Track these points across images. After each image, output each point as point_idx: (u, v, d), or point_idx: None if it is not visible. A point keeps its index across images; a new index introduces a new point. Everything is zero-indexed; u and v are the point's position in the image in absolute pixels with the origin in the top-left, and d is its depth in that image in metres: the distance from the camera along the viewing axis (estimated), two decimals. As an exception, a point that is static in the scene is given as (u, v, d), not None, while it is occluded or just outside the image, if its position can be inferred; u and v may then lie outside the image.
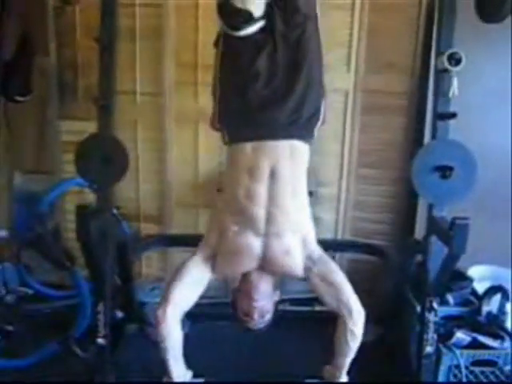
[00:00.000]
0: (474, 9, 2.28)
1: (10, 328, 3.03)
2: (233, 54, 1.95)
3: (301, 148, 1.93)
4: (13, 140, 3.63)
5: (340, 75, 3.32)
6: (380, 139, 3.41)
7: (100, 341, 2.32)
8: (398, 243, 3.31)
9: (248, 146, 1.89)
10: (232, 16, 1.90)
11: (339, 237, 3.54)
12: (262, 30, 1.92)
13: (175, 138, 3.46)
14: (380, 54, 3.29)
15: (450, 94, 2.14)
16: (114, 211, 2.40)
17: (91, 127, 2.27)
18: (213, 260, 2.00)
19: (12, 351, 2.84)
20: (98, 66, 2.24)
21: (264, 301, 1.97)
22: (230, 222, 1.94)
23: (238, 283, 2.03)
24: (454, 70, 2.09)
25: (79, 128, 3.12)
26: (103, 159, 2.12)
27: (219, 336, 3.07)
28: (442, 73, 2.17)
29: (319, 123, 1.97)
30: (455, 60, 2.08)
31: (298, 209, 1.96)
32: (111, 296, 2.35)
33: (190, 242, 3.22)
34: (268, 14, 1.91)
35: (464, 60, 2.06)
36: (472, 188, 2.08)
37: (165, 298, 1.96)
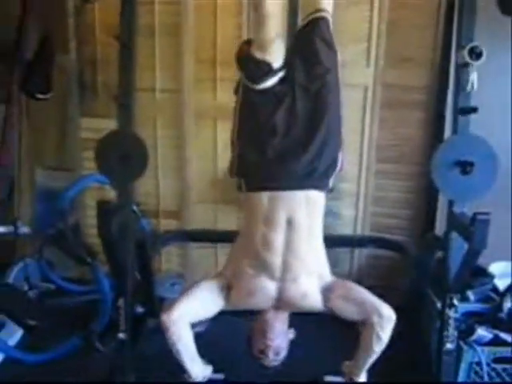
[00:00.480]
0: (495, 2, 2.25)
1: (32, 323, 3.06)
2: (251, 106, 1.95)
3: (317, 197, 1.93)
4: (34, 137, 3.67)
5: (359, 70, 3.30)
6: (399, 134, 3.39)
7: (121, 335, 2.33)
8: (418, 239, 3.29)
9: (264, 196, 1.89)
10: (251, 68, 1.90)
11: (359, 232, 3.53)
12: (281, 80, 1.92)
13: (194, 134, 3.48)
14: (399, 48, 3.27)
15: (468, 88, 2.11)
16: (135, 207, 2.42)
17: (111, 124, 2.28)
18: (227, 292, 1.99)
19: (35, 345, 2.88)
20: (117, 64, 2.25)
21: (279, 339, 1.98)
22: (246, 264, 1.94)
23: (254, 322, 2.04)
24: (475, 63, 2.06)
25: (99, 125, 3.15)
26: (123, 156, 2.12)
27: (238, 331, 3.07)
28: (462, 67, 2.14)
29: (335, 173, 1.97)
30: (476, 54, 2.05)
31: (313, 253, 1.97)
32: (132, 291, 2.37)
33: (209, 237, 3.28)
34: (288, 65, 1.92)
35: (485, 54, 2.04)
36: (493, 184, 2.05)
37: (170, 305, 1.96)
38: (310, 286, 1.95)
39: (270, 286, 1.92)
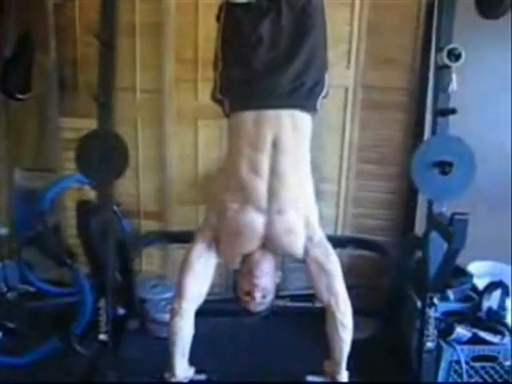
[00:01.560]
0: (474, 4, 2.28)
1: (11, 325, 3.04)
2: (234, 23, 1.93)
3: (303, 119, 1.90)
4: (13, 137, 3.63)
5: (340, 71, 3.31)
6: (380, 135, 3.42)
7: (101, 337, 2.32)
8: (398, 239, 3.32)
9: (249, 116, 1.86)
10: None
11: (339, 233, 3.55)
12: None
13: (175, 134, 3.46)
14: (380, 50, 3.30)
15: (449, 90, 2.13)
16: (115, 208, 2.40)
17: (91, 124, 2.26)
18: (215, 243, 1.99)
19: (13, 348, 2.84)
20: (97, 63, 2.24)
21: (265, 278, 1.95)
22: (231, 200, 1.91)
23: (240, 264, 2.02)
24: (454, 65, 2.09)
25: (79, 125, 3.11)
26: (103, 156, 2.11)
27: (220, 332, 3.08)
28: (441, 69, 2.17)
29: (322, 94, 1.94)
30: (455, 56, 2.07)
31: (300, 183, 1.93)
32: (112, 293, 2.35)
33: (191, 238, 3.25)
34: None
35: (464, 55, 2.06)
36: (471, 184, 2.08)
37: (179, 293, 1.97)
38: (295, 222, 1.92)
39: (256, 220, 1.88)
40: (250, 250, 1.96)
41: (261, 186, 1.85)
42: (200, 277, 2.00)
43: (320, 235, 2.00)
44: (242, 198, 1.88)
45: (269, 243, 1.94)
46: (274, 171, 1.85)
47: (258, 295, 1.94)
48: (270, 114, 1.85)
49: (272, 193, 1.86)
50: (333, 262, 2.00)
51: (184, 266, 2.01)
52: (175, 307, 1.96)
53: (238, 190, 1.89)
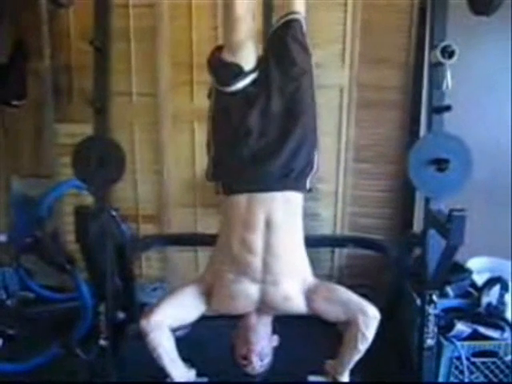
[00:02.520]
0: (467, 2, 2.29)
1: (11, 332, 3.03)
2: (224, 109, 1.94)
3: (295, 198, 1.93)
4: (9, 144, 3.62)
5: (335, 71, 3.33)
6: (376, 134, 3.42)
7: (102, 342, 2.32)
8: (397, 237, 3.32)
9: (242, 198, 1.88)
10: (221, 71, 1.90)
11: (338, 232, 3.55)
12: (254, 82, 1.91)
13: (172, 138, 3.47)
14: (374, 48, 3.30)
15: (444, 87, 2.14)
16: (114, 213, 2.40)
17: (88, 129, 2.27)
18: (208, 296, 1.98)
19: (14, 355, 2.83)
20: (92, 69, 2.24)
21: (262, 343, 1.98)
22: (226, 269, 1.92)
23: (237, 328, 2.03)
24: (448, 62, 2.09)
25: (76, 131, 3.12)
26: (100, 161, 2.12)
27: (219, 335, 3.07)
28: (435, 66, 2.17)
29: (312, 173, 1.97)
30: (448, 53, 2.08)
31: (294, 253, 1.96)
32: (112, 297, 2.35)
33: (189, 241, 3.27)
34: (262, 67, 1.92)
35: (457, 53, 2.07)
36: (468, 180, 2.09)
37: (150, 311, 1.94)
38: (292, 288, 1.93)
39: (251, 289, 1.90)
40: (243, 313, 1.98)
41: (255, 262, 1.87)
42: (180, 308, 1.98)
43: (316, 281, 2.01)
44: (236, 270, 1.90)
45: (265, 309, 1.96)
46: (267, 249, 1.87)
47: (254, 360, 1.96)
48: (263, 196, 1.87)
49: (266, 267, 1.88)
50: (338, 291, 2.00)
51: (170, 294, 2.02)
52: (143, 324, 1.90)
53: (232, 263, 1.91)
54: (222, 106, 1.95)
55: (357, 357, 2.02)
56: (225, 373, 2.43)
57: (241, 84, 1.89)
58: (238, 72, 1.87)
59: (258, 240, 1.87)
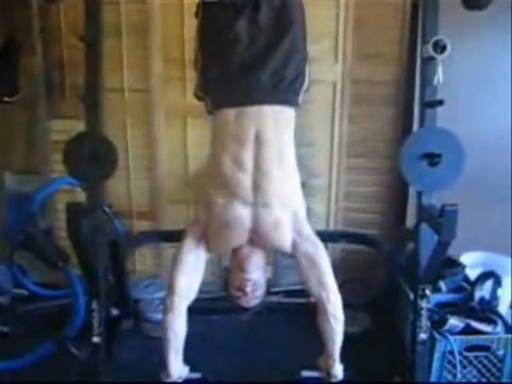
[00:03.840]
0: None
1: (4, 329, 3.03)
2: (211, 21, 1.92)
3: (286, 113, 1.91)
4: (2, 141, 3.61)
5: (327, 66, 3.33)
6: (369, 129, 3.43)
7: (95, 339, 2.31)
8: (390, 232, 3.33)
9: (232, 112, 1.85)
10: None
11: (331, 227, 3.56)
12: None
13: (164, 133, 3.46)
14: (366, 44, 3.30)
15: (435, 82, 2.14)
16: (107, 209, 2.40)
17: (80, 126, 2.26)
18: (205, 239, 1.99)
19: (7, 352, 2.83)
20: (84, 65, 2.23)
21: (256, 272, 1.97)
22: (216, 195, 1.91)
23: (230, 261, 2.04)
24: (440, 57, 2.09)
25: (68, 127, 3.11)
26: (92, 157, 2.11)
27: (215, 330, 3.08)
28: (427, 61, 2.18)
29: (303, 88, 1.94)
30: (440, 47, 2.08)
31: (285, 178, 1.93)
32: (106, 294, 2.35)
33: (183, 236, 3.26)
34: None
35: (449, 47, 2.07)
36: (460, 175, 2.09)
37: (170, 290, 1.98)
38: (282, 216, 1.92)
39: (243, 213, 1.89)
40: (238, 243, 1.97)
41: (245, 181, 1.85)
42: (191, 273, 2.00)
43: (308, 230, 2.01)
44: (228, 192, 1.89)
45: (257, 238, 1.95)
46: (257, 165, 1.85)
47: (248, 290, 1.96)
48: (252, 109, 1.85)
49: (257, 187, 1.86)
50: (322, 256, 2.00)
51: (174, 262, 2.01)
52: (167, 303, 1.97)
53: (223, 185, 1.89)
54: (209, 17, 1.93)
55: (338, 340, 2.04)
56: (218, 368, 2.45)
57: None
58: None
59: (248, 155, 1.85)
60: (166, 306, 1.98)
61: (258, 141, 1.84)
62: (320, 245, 2.02)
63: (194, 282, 2.02)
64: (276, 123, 1.87)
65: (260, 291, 2.00)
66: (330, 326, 2.00)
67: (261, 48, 1.87)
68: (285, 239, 1.96)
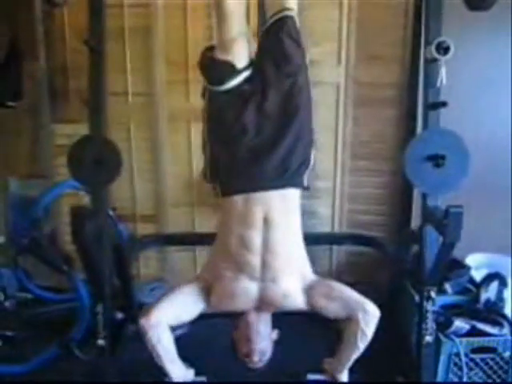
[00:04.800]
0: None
1: (10, 333, 3.03)
2: (219, 109, 1.93)
3: (292, 195, 1.93)
4: (6, 146, 3.62)
5: (330, 68, 3.33)
6: (373, 131, 3.42)
7: (100, 342, 2.31)
8: (395, 234, 3.32)
9: (239, 198, 1.88)
10: (213, 70, 1.89)
11: (336, 230, 3.55)
12: (248, 80, 1.90)
13: (168, 137, 3.47)
14: (370, 46, 3.30)
15: (438, 83, 2.14)
16: (111, 212, 2.40)
17: (84, 129, 2.26)
18: (207, 294, 1.98)
19: (13, 356, 2.83)
20: (87, 69, 2.23)
21: (263, 342, 1.99)
22: (225, 268, 1.92)
23: (236, 326, 2.03)
24: (443, 58, 2.09)
25: (72, 131, 3.11)
26: (96, 161, 2.11)
27: (219, 333, 3.07)
28: (431, 62, 2.17)
29: (309, 170, 1.97)
30: (443, 49, 2.07)
31: (293, 250, 1.96)
32: (110, 297, 2.35)
33: (187, 240, 3.27)
34: (256, 65, 1.92)
35: (452, 48, 2.06)
36: (465, 176, 2.08)
37: (149, 309, 1.94)
38: (291, 285, 1.94)
39: (250, 287, 1.91)
40: (243, 310, 1.98)
41: (253, 260, 1.88)
42: (179, 307, 1.98)
43: (315, 278, 2.02)
44: (235, 268, 1.90)
45: (265, 306, 1.96)
46: (265, 246, 1.87)
47: (255, 359, 1.98)
48: (260, 195, 1.87)
49: (265, 264, 1.88)
50: (338, 288, 2.01)
51: (170, 293, 2.01)
52: (142, 322, 1.91)
53: (230, 261, 1.91)
54: (216, 106, 1.94)
55: (356, 355, 2.03)
56: (224, 371, 2.44)
57: (234, 82, 1.88)
58: (231, 70, 1.87)
59: (256, 238, 1.87)
60: (141, 326, 1.91)
61: (266, 223, 1.86)
62: (329, 280, 2.06)
63: (179, 315, 2.00)
64: (283, 205, 1.90)
65: (267, 355, 2.01)
66: (355, 340, 1.98)
67: (267, 137, 1.89)
68: (297, 303, 1.97)
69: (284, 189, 1.90)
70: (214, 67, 1.88)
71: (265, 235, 1.87)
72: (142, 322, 1.91)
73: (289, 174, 1.90)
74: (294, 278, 1.95)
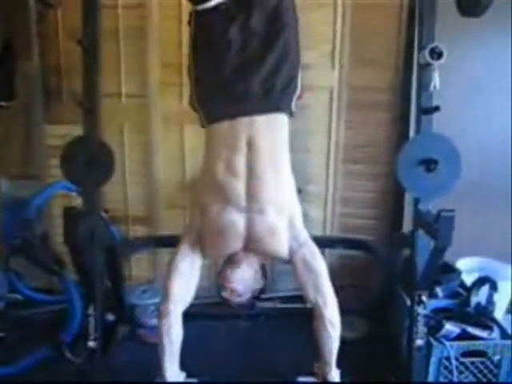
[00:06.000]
0: (455, 3, 2.30)
1: (0, 335, 3.01)
2: (204, 28, 1.93)
3: (279, 119, 1.92)
4: (-2, 146, 3.61)
5: (324, 72, 3.34)
6: (366, 135, 3.43)
7: (91, 344, 2.31)
8: (386, 238, 3.33)
9: (225, 122, 1.88)
10: None
11: (328, 233, 3.56)
12: (233, 1, 1.90)
13: (161, 139, 3.46)
14: (363, 50, 3.31)
15: (431, 88, 2.15)
16: (103, 214, 2.40)
17: (77, 131, 2.26)
18: (200, 244, 2.01)
19: (3, 358, 2.81)
20: (81, 69, 2.23)
21: (242, 284, 2.00)
22: (211, 201, 1.93)
23: (223, 263, 2.05)
24: (436, 63, 2.10)
25: (65, 132, 3.10)
26: (89, 162, 2.11)
27: (211, 336, 3.07)
28: (424, 67, 2.18)
29: (296, 95, 1.95)
30: (437, 54, 2.09)
31: (279, 183, 1.94)
32: (102, 299, 2.34)
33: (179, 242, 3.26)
34: None
35: (445, 54, 2.08)
36: (457, 181, 2.09)
37: (165, 296, 1.99)
38: (278, 222, 1.94)
39: (237, 220, 1.90)
40: (233, 250, 1.98)
41: (239, 187, 1.87)
42: (186, 278, 2.01)
43: (305, 235, 2.02)
44: (222, 199, 1.90)
45: (252, 244, 1.95)
46: (251, 172, 1.87)
47: (231, 296, 2.02)
48: (244, 119, 1.86)
49: (251, 193, 1.88)
50: (319, 262, 2.01)
51: (170, 268, 2.02)
52: (161, 309, 1.98)
53: (216, 191, 1.91)
54: (201, 26, 1.94)
55: (335, 346, 2.05)
56: (216, 373, 2.44)
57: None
58: None
59: (241, 162, 1.86)
60: (160, 312, 1.99)
61: (251, 147, 1.86)
62: (317, 251, 2.03)
63: (190, 287, 2.03)
64: (269, 130, 1.89)
65: (246, 296, 2.03)
66: (327, 332, 2.00)
67: (252, 54, 1.89)
68: (281, 245, 1.97)
69: (270, 113, 1.89)
70: None
71: (250, 160, 1.86)
72: (162, 308, 1.98)
73: (274, 96, 1.89)
74: (281, 217, 1.95)
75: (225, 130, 1.88)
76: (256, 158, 1.86)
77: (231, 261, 2.00)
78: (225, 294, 2.01)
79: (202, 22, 1.94)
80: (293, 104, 1.96)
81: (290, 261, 2.01)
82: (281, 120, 1.93)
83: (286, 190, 1.98)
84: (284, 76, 1.90)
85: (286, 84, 1.91)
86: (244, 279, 2.00)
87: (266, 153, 1.88)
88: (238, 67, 1.88)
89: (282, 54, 1.89)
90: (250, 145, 1.86)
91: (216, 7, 1.90)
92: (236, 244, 1.95)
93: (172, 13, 3.24)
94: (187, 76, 2.04)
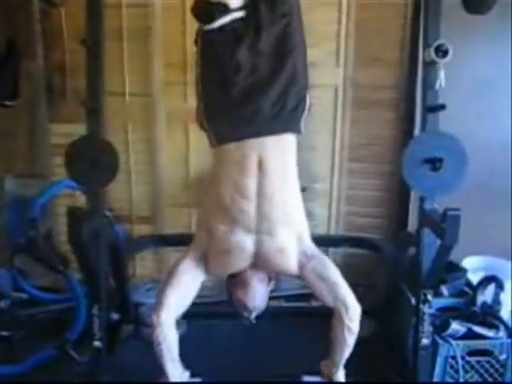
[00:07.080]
0: (460, 0, 2.28)
1: (5, 333, 3.02)
2: (212, 48, 1.91)
3: (287, 140, 1.90)
4: (3, 145, 3.60)
5: (329, 70, 3.33)
6: (371, 133, 3.42)
7: (96, 343, 2.31)
8: (392, 236, 3.32)
9: (234, 144, 1.85)
10: (205, 9, 1.87)
11: (332, 232, 3.55)
12: (242, 20, 1.88)
13: (165, 138, 3.46)
14: (368, 48, 3.30)
15: (437, 86, 2.14)
16: (107, 213, 2.39)
17: (81, 129, 2.25)
18: (204, 261, 1.98)
19: (8, 357, 2.82)
20: (85, 69, 2.23)
21: (258, 299, 1.96)
22: (218, 222, 1.90)
23: (234, 285, 2.00)
24: (442, 61, 2.09)
25: (69, 131, 3.09)
26: (93, 161, 2.10)
27: (215, 335, 3.07)
28: (429, 65, 2.17)
29: (304, 115, 1.94)
30: (442, 52, 2.07)
31: (289, 203, 1.92)
32: (106, 298, 2.34)
33: (183, 241, 3.22)
34: (251, 5, 1.88)
35: (451, 51, 2.06)
36: (462, 179, 2.08)
37: (159, 302, 1.95)
38: (287, 242, 1.92)
39: (246, 240, 1.88)
40: (239, 269, 1.96)
41: (248, 208, 1.85)
42: (184, 290, 1.99)
43: (313, 249, 2.00)
44: (230, 220, 1.88)
45: (260, 263, 1.94)
46: (261, 193, 1.84)
47: (254, 313, 1.97)
48: (254, 140, 1.84)
49: (260, 214, 1.85)
50: (331, 271, 1.98)
51: (170, 277, 1.99)
52: (154, 319, 1.93)
53: (225, 213, 1.88)
54: (209, 45, 1.92)
55: (347, 351, 2.02)
56: (220, 372, 2.43)
57: (225, 19, 1.86)
58: (222, 9, 1.85)
59: (251, 184, 1.83)
60: (153, 321, 1.93)
61: (261, 168, 1.83)
62: (326, 259, 2.02)
63: (186, 299, 2.00)
64: (278, 151, 1.87)
65: (263, 306, 2.00)
66: (343, 336, 1.97)
67: (261, 76, 1.87)
68: (290, 263, 1.95)
69: (279, 134, 1.87)
70: (206, 7, 1.87)
71: (260, 182, 1.84)
72: (154, 318, 1.92)
73: (284, 117, 1.87)
74: (290, 236, 1.92)
75: (234, 152, 1.86)
76: (266, 180, 1.84)
77: (241, 282, 1.96)
78: (246, 314, 1.98)
79: (209, 41, 1.92)
80: (302, 123, 1.94)
81: (299, 276, 1.99)
82: (290, 140, 1.92)
83: (295, 209, 1.96)
84: (293, 98, 1.88)
85: (295, 105, 1.89)
86: (259, 296, 1.97)
87: (276, 174, 1.86)
88: (247, 89, 1.86)
89: (291, 76, 1.88)
90: (260, 166, 1.83)
91: (223, 27, 1.88)
92: (243, 264, 1.94)
93: (176, 12, 3.23)
94: (195, 92, 2.00)
